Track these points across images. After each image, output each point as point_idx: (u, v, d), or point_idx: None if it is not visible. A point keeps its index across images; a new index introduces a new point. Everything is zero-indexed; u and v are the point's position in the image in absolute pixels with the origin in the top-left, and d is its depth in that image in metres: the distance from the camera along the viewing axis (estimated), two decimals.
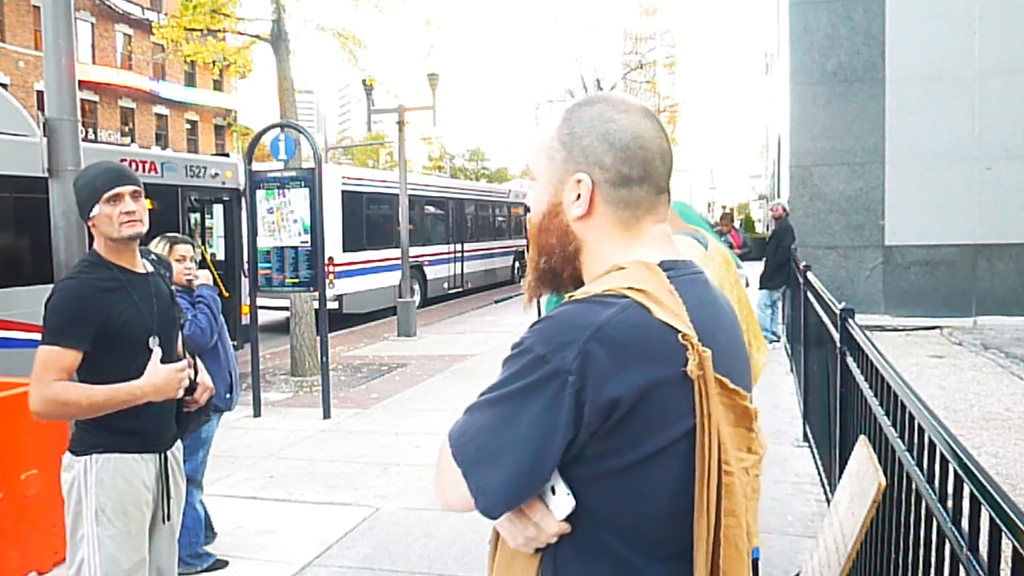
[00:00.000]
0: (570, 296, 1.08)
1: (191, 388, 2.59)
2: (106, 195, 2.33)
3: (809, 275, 5.80)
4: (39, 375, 2.22)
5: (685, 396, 1.01)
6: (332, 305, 12.61)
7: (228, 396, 4.17)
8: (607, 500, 1.04)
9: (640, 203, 1.13)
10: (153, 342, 2.39)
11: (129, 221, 2.35)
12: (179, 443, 2.59)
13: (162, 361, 2.38)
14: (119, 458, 2.34)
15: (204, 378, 2.63)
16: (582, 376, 0.97)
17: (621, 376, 0.98)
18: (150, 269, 2.53)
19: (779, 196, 17.02)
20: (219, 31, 10.30)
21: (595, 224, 1.14)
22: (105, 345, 2.29)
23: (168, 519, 2.50)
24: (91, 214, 2.35)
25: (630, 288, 1.03)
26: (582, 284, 1.15)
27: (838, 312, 3.50)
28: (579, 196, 1.13)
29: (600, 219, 1.13)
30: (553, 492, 1.05)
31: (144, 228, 2.41)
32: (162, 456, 2.46)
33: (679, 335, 1.01)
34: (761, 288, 10.02)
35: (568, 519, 1.04)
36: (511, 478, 1.01)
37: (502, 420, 1.02)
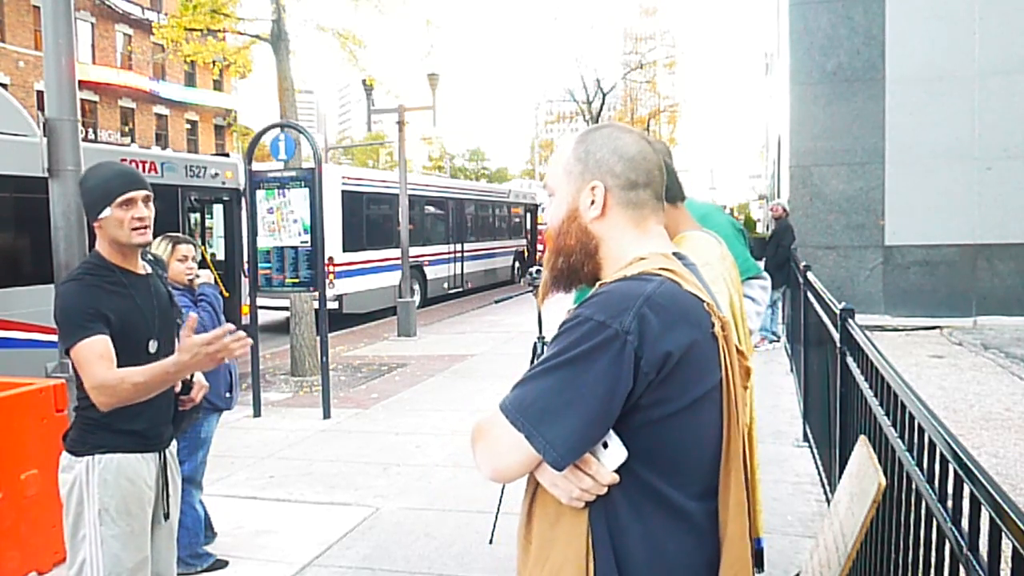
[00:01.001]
0: (600, 283, 1.27)
1: (187, 387, 2.59)
2: (120, 198, 2.31)
3: (809, 275, 5.79)
4: (87, 372, 2.19)
5: (713, 353, 1.23)
6: (332, 305, 12.60)
7: (228, 395, 4.17)
8: (656, 445, 1.22)
9: (645, 204, 1.35)
10: (152, 345, 2.38)
11: (140, 229, 2.34)
12: (175, 441, 2.59)
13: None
14: (122, 458, 2.33)
15: (199, 376, 2.63)
16: (639, 336, 1.16)
17: (669, 335, 1.18)
18: (148, 270, 2.52)
19: (779, 196, 17.01)
20: (219, 31, 10.29)
21: (610, 223, 1.34)
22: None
23: (167, 517, 2.50)
24: (100, 215, 2.32)
25: (662, 269, 1.25)
26: (598, 280, 1.33)
27: (838, 312, 3.49)
28: (594, 201, 1.33)
29: (614, 219, 1.34)
30: (605, 447, 1.21)
31: (151, 236, 2.42)
32: (161, 455, 2.47)
33: (704, 304, 1.24)
34: None
35: (617, 470, 1.20)
36: (581, 428, 1.17)
37: (567, 380, 1.18)
